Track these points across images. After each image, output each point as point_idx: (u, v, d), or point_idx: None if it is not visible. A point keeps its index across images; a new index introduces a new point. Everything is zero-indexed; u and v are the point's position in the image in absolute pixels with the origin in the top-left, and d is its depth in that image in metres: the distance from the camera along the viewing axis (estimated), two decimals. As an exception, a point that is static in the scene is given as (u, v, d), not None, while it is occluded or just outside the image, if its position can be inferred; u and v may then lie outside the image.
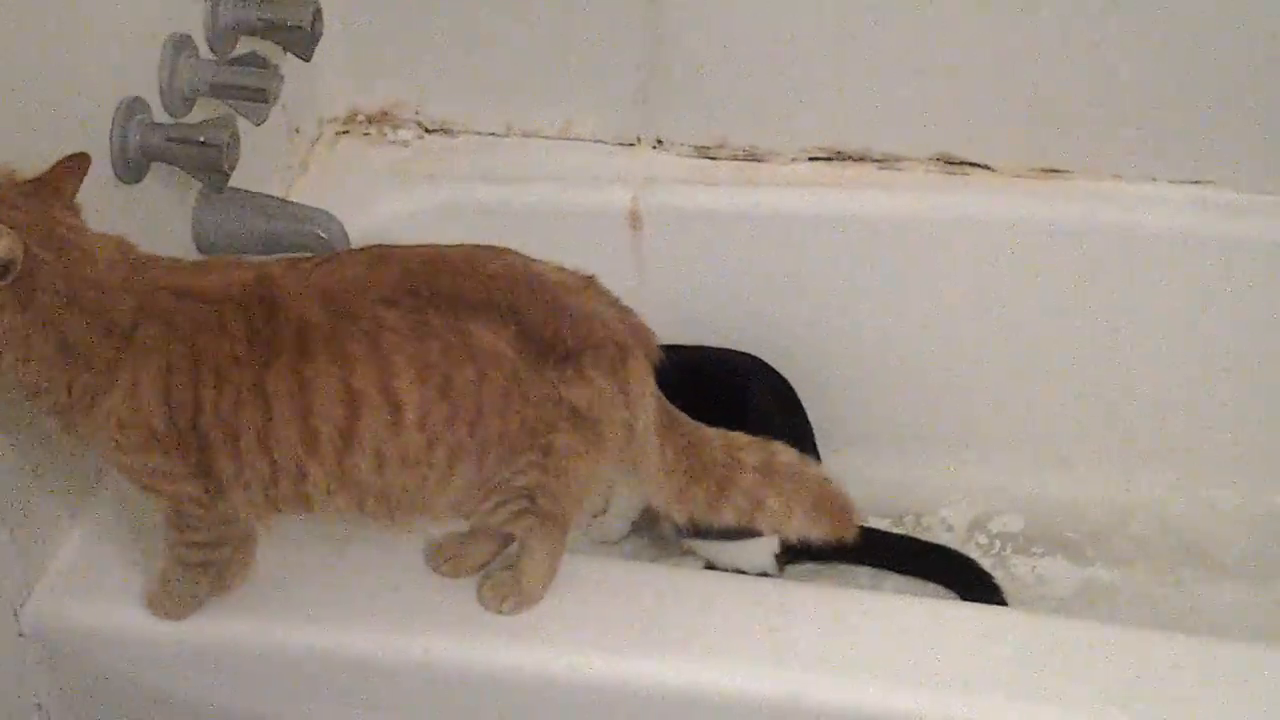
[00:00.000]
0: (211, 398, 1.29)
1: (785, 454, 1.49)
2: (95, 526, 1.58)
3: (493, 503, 1.40)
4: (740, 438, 1.49)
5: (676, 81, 2.06)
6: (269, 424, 1.30)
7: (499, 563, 1.52)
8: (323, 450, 1.31)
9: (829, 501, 1.50)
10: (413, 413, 1.30)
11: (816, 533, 1.50)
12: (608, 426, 1.37)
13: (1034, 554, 2.03)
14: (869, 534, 1.95)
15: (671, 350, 1.84)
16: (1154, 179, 2.00)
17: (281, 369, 1.29)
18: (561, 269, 1.39)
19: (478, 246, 1.39)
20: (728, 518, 1.47)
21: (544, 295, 1.34)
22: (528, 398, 1.33)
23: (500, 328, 1.31)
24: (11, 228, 1.19)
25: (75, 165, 1.30)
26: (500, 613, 1.49)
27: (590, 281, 1.41)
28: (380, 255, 1.37)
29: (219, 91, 1.68)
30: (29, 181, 1.26)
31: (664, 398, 1.44)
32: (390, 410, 1.30)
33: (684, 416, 1.47)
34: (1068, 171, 2.02)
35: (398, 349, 1.29)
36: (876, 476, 2.09)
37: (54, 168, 1.29)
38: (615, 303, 1.41)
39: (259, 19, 1.78)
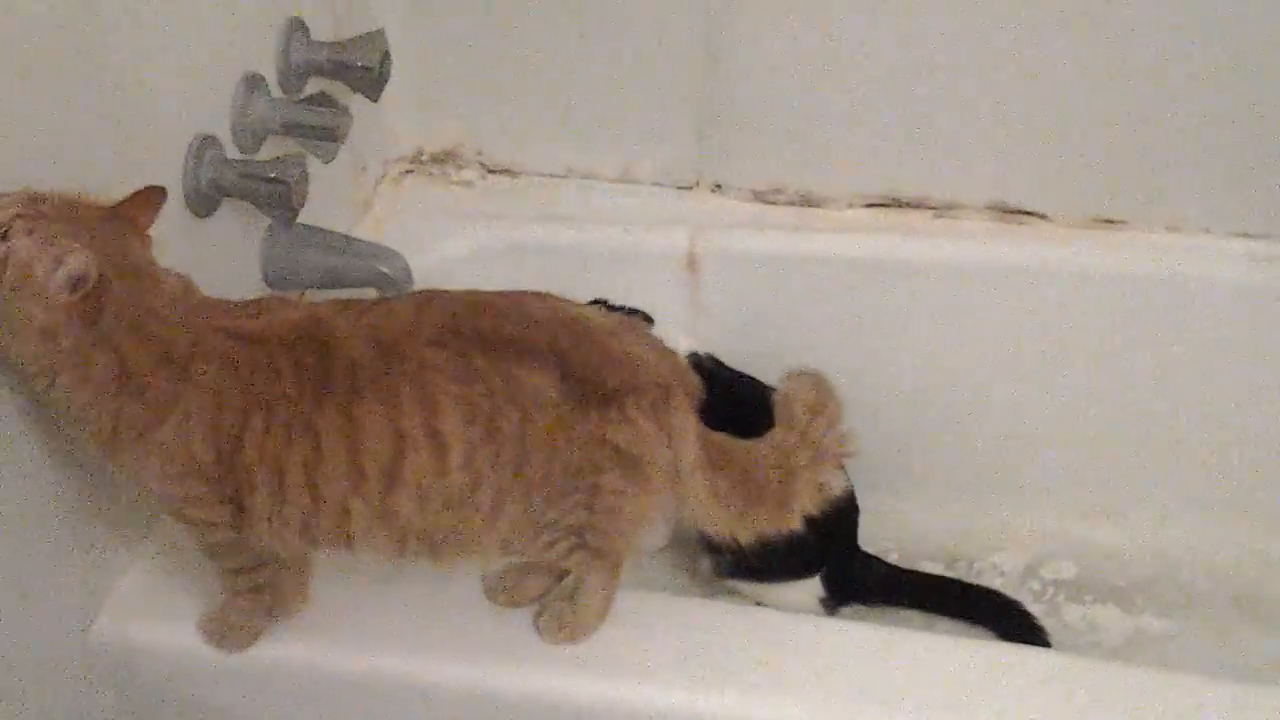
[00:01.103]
0: (259, 434, 1.32)
1: (811, 422, 1.51)
2: (162, 548, 1.60)
3: (543, 541, 1.42)
4: (786, 439, 1.51)
5: (735, 127, 2.08)
6: (316, 461, 1.32)
7: (555, 594, 1.54)
8: (367, 488, 1.33)
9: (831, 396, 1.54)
10: (458, 454, 1.33)
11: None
12: (652, 466, 1.39)
13: (1085, 601, 2.03)
14: (917, 577, 1.97)
15: (725, 370, 1.87)
16: (1208, 231, 2.00)
17: (331, 408, 1.32)
18: (605, 312, 1.42)
19: (522, 291, 1.42)
20: (796, 522, 1.49)
21: (586, 338, 1.37)
22: (572, 439, 1.35)
23: (544, 370, 1.34)
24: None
25: (152, 197, 1.34)
26: (556, 643, 1.51)
27: (631, 324, 1.43)
28: (427, 298, 1.40)
29: (289, 130, 1.72)
30: (107, 208, 1.30)
31: (709, 430, 1.46)
32: (435, 451, 1.32)
33: (734, 442, 1.49)
34: (1123, 222, 2.03)
35: (444, 390, 1.32)
36: (929, 522, 2.11)
37: (131, 197, 1.32)
38: (656, 344, 1.44)
39: (329, 60, 1.82)
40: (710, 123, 2.09)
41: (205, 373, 1.31)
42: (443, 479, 1.33)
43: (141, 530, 1.60)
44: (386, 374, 1.32)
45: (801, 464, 1.48)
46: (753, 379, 1.96)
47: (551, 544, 1.42)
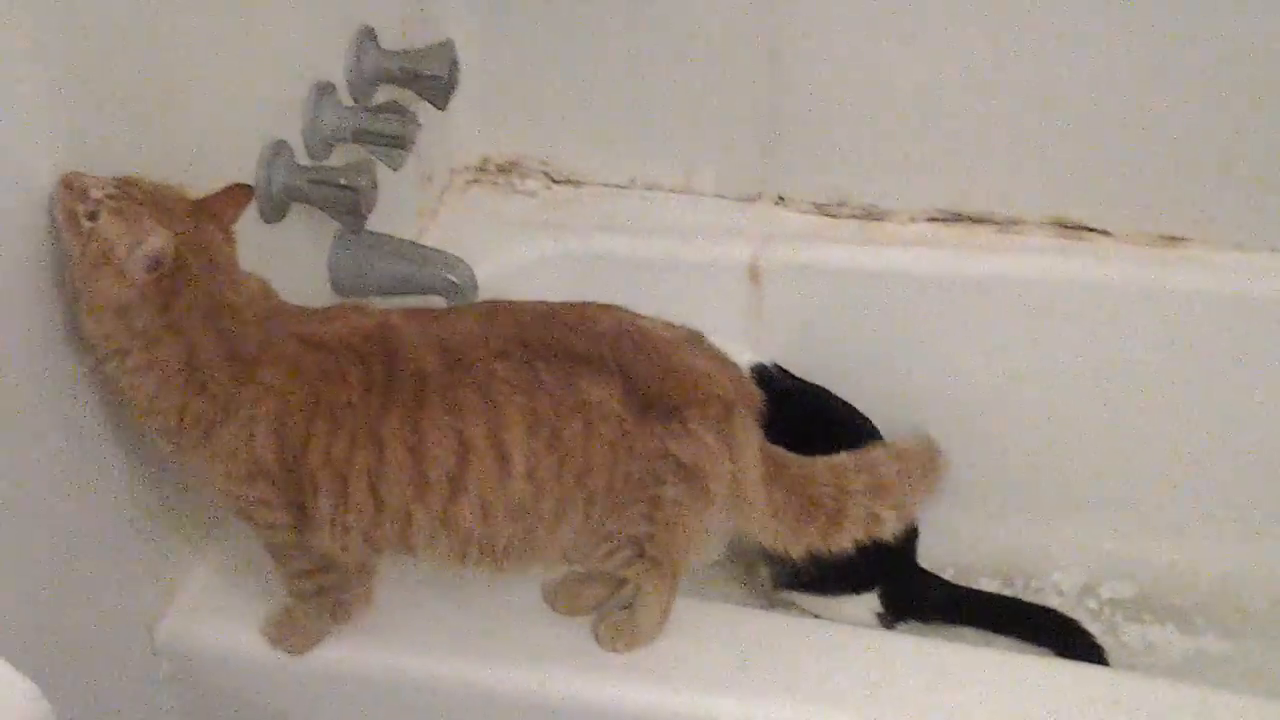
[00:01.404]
0: (324, 440, 1.33)
1: (885, 463, 1.53)
2: (229, 550, 1.62)
3: (604, 550, 1.43)
4: (844, 462, 1.52)
5: (798, 139, 2.09)
6: (381, 468, 1.34)
7: (615, 603, 1.55)
8: (430, 496, 1.34)
9: (921, 471, 1.56)
10: (521, 463, 1.34)
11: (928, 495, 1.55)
12: (714, 480, 1.39)
13: (1144, 621, 2.02)
14: (975, 595, 1.97)
15: (791, 378, 1.87)
16: (1274, 249, 1.99)
17: (397, 416, 1.33)
18: (669, 325, 1.43)
19: (587, 303, 1.43)
20: (846, 543, 1.50)
21: (650, 351, 1.37)
22: (634, 451, 1.36)
23: (608, 382, 1.34)
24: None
25: (238, 194, 1.36)
26: (614, 651, 1.52)
27: (695, 337, 1.44)
28: (494, 309, 1.41)
29: (359, 137, 1.74)
30: (193, 200, 1.32)
31: (769, 443, 1.47)
32: (499, 460, 1.33)
33: (792, 456, 1.50)
34: (1186, 239, 2.02)
35: (509, 400, 1.33)
36: (987, 538, 2.11)
37: (219, 193, 1.35)
38: (719, 357, 1.44)
39: (399, 68, 1.84)
40: (774, 135, 2.10)
41: (272, 376, 1.33)
42: (505, 488, 1.34)
43: (208, 531, 1.62)
44: (453, 384, 1.33)
45: (856, 488, 1.49)
46: (820, 388, 1.97)
47: (611, 553, 1.44)
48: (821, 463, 1.51)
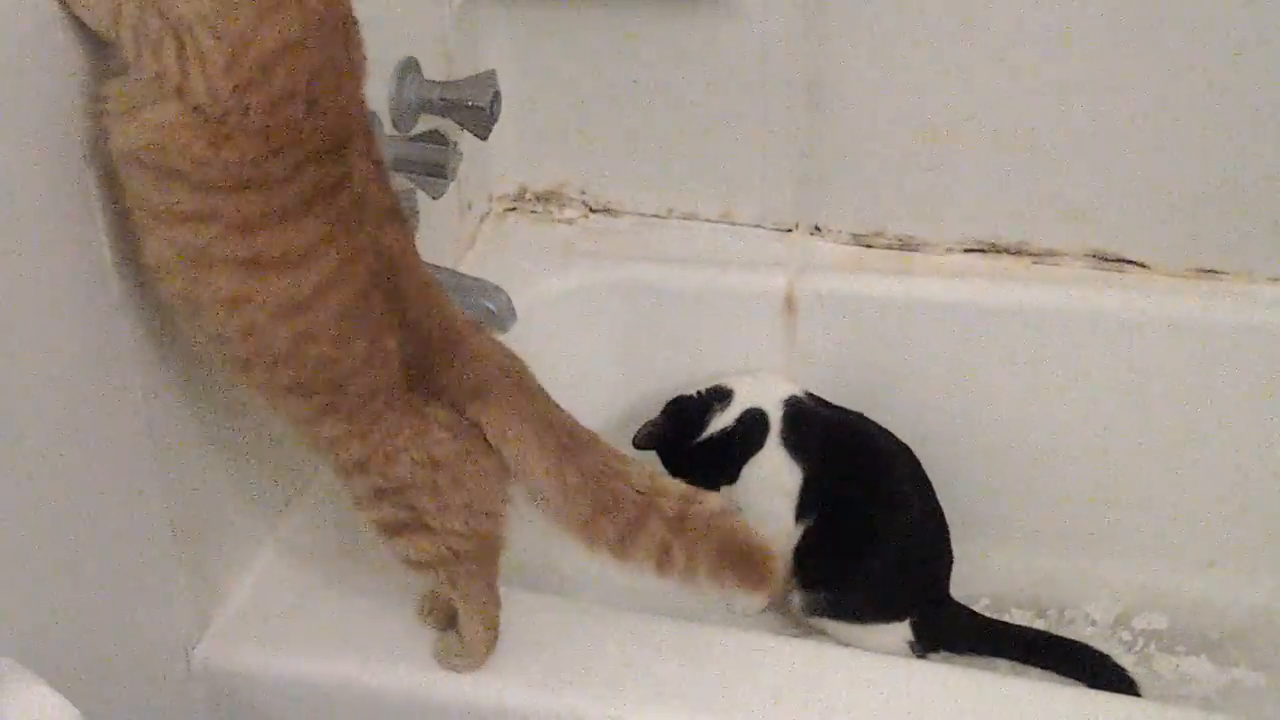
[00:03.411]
0: None
1: (709, 503, 1.44)
2: (267, 573, 1.64)
3: (385, 513, 1.41)
4: (669, 483, 1.45)
5: (835, 170, 2.10)
6: None
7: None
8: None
9: (737, 553, 1.44)
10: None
11: (726, 586, 1.44)
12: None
13: (1177, 653, 2.01)
14: (1007, 628, 1.97)
15: (827, 407, 1.88)
16: (1310, 283, 2.00)
17: None
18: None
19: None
20: (640, 560, 1.42)
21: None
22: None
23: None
24: None
25: None
26: (452, 669, 1.51)
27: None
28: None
29: (401, 165, 1.76)
30: None
31: (576, 422, 1.43)
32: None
33: (605, 446, 1.45)
34: (1223, 272, 2.02)
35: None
36: (1019, 569, 2.11)
37: None
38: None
39: (441, 98, 1.86)
40: (810, 166, 2.11)
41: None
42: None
43: (246, 554, 1.64)
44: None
45: (663, 511, 1.42)
46: (858, 414, 1.98)
47: (395, 525, 1.41)
48: (638, 465, 1.45)
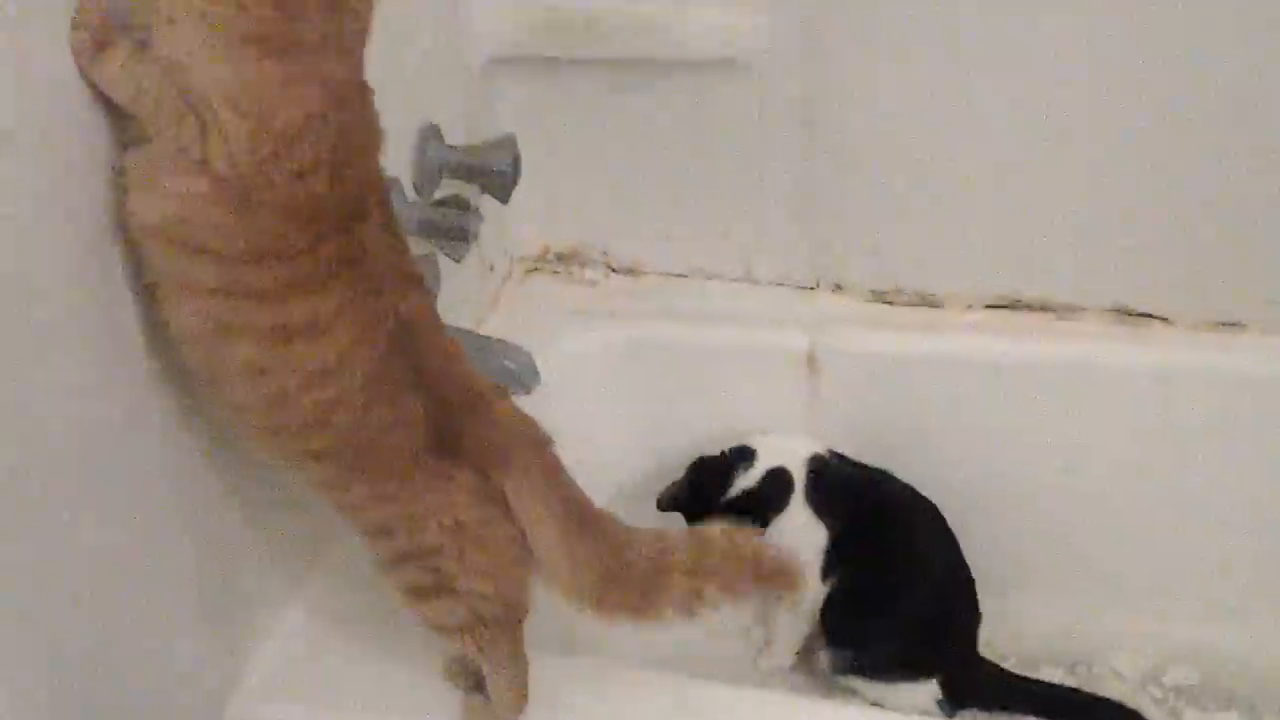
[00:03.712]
0: None
1: (718, 540, 1.50)
2: (295, 632, 1.64)
3: (410, 577, 1.41)
4: (674, 535, 1.51)
5: (853, 228, 2.11)
6: None
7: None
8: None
9: (762, 568, 1.51)
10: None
11: (761, 594, 1.54)
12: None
13: (1208, 708, 1.99)
14: (1036, 685, 1.96)
15: (850, 465, 1.89)
16: (1333, 334, 1.99)
17: None
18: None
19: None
20: (672, 613, 1.47)
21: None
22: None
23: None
24: None
25: None
26: None
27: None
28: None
29: (424, 229, 1.77)
30: None
31: (587, 499, 1.45)
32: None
33: (607, 515, 1.47)
34: (1244, 325, 2.02)
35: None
36: (1047, 623, 2.10)
37: None
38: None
39: (462, 163, 1.88)
40: (829, 224, 2.11)
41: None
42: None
43: (277, 614, 1.65)
44: None
45: (678, 564, 1.46)
46: (882, 471, 1.98)
47: (421, 589, 1.41)
48: (646, 533, 1.49)
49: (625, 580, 1.44)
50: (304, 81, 1.18)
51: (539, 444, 1.43)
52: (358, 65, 1.25)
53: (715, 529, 1.52)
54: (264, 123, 1.17)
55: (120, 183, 1.23)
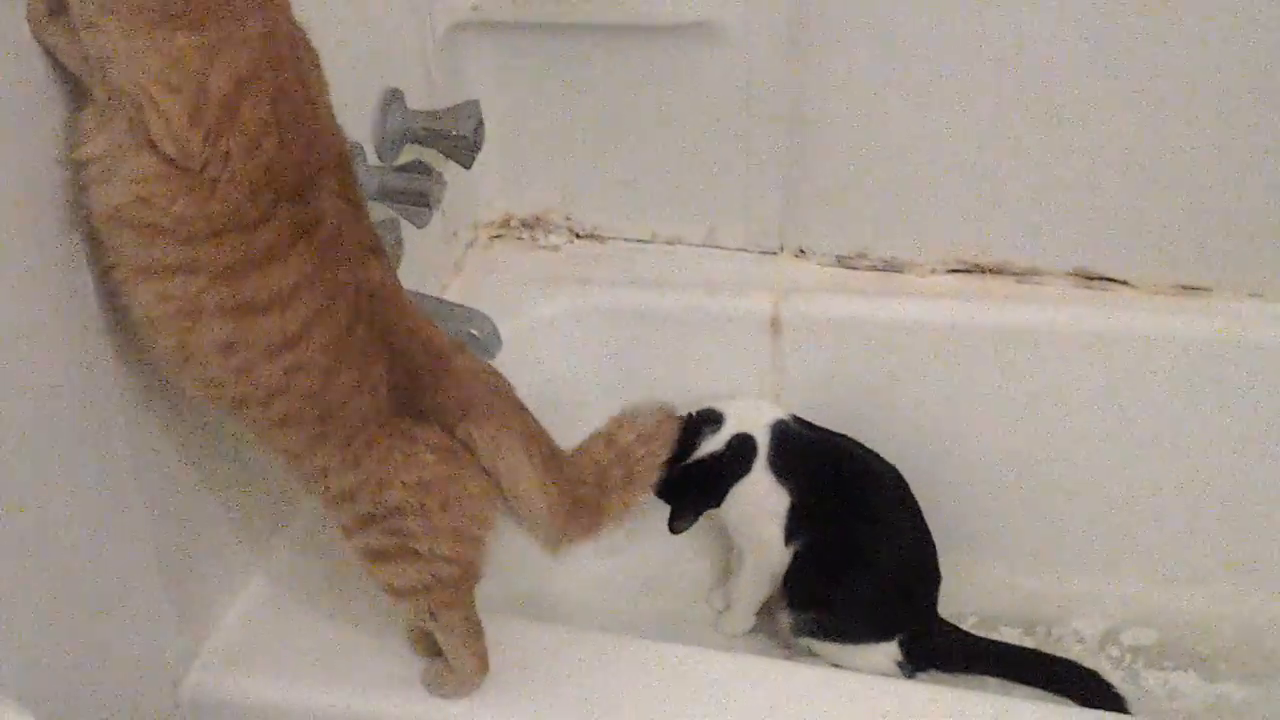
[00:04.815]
0: None
1: (630, 440, 1.60)
2: (255, 603, 1.65)
3: (372, 541, 1.42)
4: (597, 449, 1.59)
5: (818, 193, 2.11)
6: None
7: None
8: None
9: (667, 434, 1.64)
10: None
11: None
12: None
13: (1166, 668, 2.02)
14: (995, 646, 1.98)
15: (813, 430, 1.89)
16: (1293, 298, 2.01)
17: None
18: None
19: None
20: (612, 528, 1.56)
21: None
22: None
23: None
24: None
25: None
26: (444, 697, 1.53)
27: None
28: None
29: (385, 195, 1.77)
30: None
31: (546, 433, 1.49)
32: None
33: (560, 450, 1.52)
34: (1206, 289, 2.04)
35: None
36: (1007, 586, 2.12)
37: None
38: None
39: (424, 128, 1.87)
40: (794, 189, 2.12)
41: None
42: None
43: (237, 584, 1.65)
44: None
45: (614, 481, 1.55)
46: (844, 436, 1.99)
47: (383, 552, 1.42)
48: (585, 458, 1.56)
49: (582, 506, 1.51)
50: (226, 47, 1.17)
51: (501, 390, 1.45)
52: (282, 17, 1.23)
53: (618, 425, 1.61)
54: (198, 95, 1.16)
55: (81, 174, 1.22)
